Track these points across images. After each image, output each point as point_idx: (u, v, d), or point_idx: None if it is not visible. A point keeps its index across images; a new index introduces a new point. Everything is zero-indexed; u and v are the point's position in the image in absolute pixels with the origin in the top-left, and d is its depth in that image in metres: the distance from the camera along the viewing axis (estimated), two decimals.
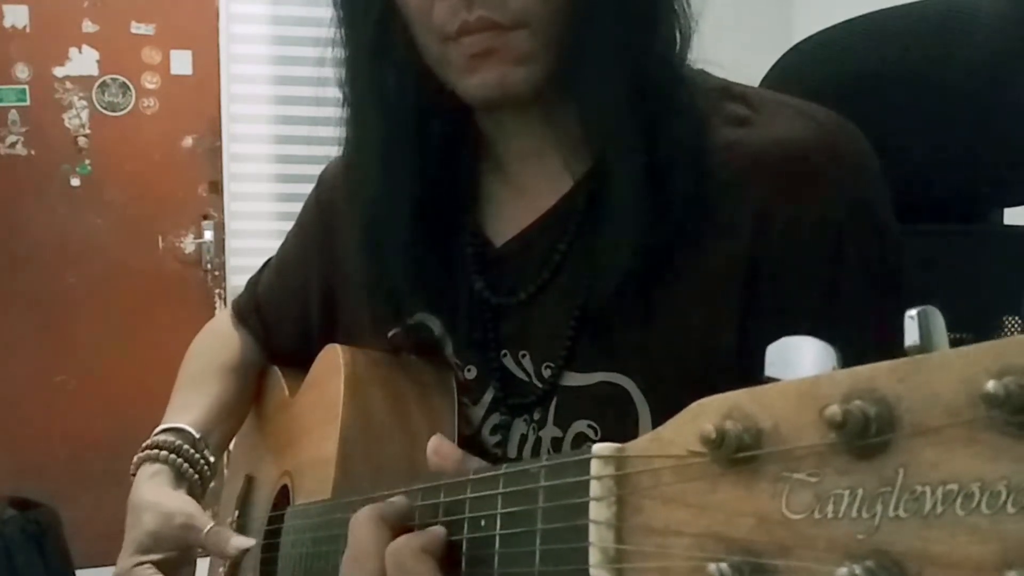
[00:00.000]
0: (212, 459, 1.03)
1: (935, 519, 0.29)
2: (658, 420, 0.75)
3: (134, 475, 1.00)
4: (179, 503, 0.96)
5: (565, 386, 0.82)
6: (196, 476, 1.01)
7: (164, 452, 1.00)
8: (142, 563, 0.93)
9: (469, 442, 0.87)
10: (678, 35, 0.80)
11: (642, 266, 0.76)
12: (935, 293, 0.89)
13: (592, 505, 0.45)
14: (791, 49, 1.08)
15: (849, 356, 0.71)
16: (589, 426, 0.81)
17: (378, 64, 0.84)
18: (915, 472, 0.30)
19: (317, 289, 1.06)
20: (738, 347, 0.76)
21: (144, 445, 1.02)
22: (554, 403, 0.83)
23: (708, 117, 0.79)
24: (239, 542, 0.91)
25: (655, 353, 0.78)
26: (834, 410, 0.31)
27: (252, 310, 1.16)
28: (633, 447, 0.44)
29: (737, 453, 0.36)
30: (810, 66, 1.05)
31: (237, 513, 1.12)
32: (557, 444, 0.82)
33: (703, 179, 0.76)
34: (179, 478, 0.99)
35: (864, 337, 0.73)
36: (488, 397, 0.87)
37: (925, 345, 0.32)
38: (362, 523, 0.62)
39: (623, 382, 0.79)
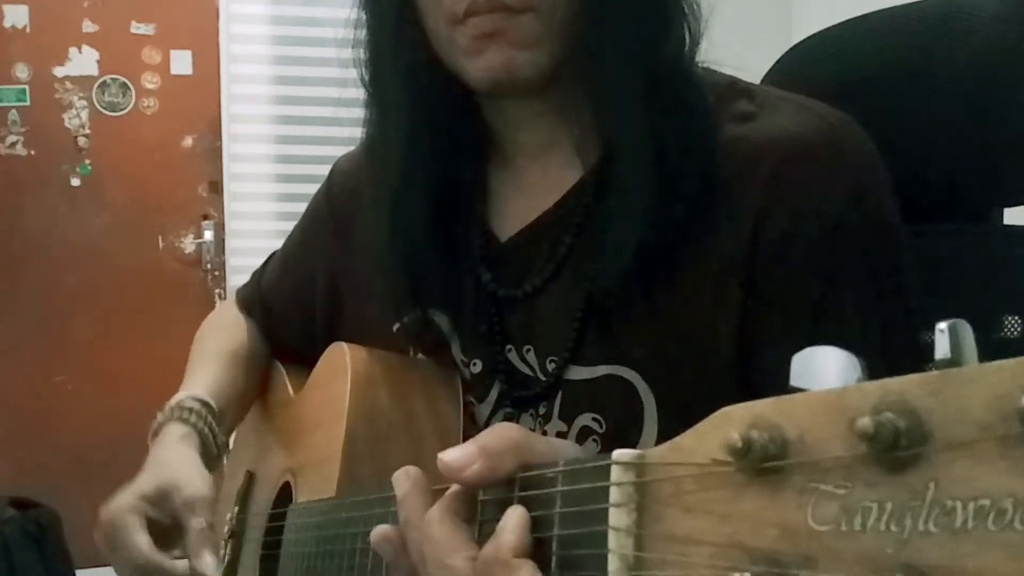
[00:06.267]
0: (224, 438, 1.03)
1: (966, 534, 0.29)
2: (665, 412, 0.78)
3: (156, 432, 0.99)
4: (195, 480, 0.94)
5: (570, 380, 0.83)
6: (215, 450, 1.00)
7: (194, 418, 1.00)
8: (137, 510, 0.91)
9: None
10: (687, 35, 0.81)
11: (647, 259, 0.76)
12: (935, 293, 0.89)
13: (612, 511, 0.45)
14: (791, 49, 1.08)
15: (850, 349, 0.72)
16: (594, 419, 0.82)
17: (399, 44, 0.85)
18: (946, 487, 0.30)
19: (322, 283, 1.06)
20: (740, 339, 0.76)
21: (171, 405, 1.01)
22: (559, 397, 0.83)
23: (715, 113, 0.79)
24: (206, 565, 0.88)
25: (661, 346, 0.79)
26: (865, 422, 0.31)
27: (256, 302, 1.17)
28: (653, 454, 0.44)
29: (763, 463, 0.36)
30: (810, 66, 1.05)
31: (237, 509, 1.12)
32: (562, 438, 0.83)
33: (708, 173, 0.77)
34: (203, 446, 0.99)
35: (867, 330, 0.75)
36: (494, 394, 0.88)
37: (956, 358, 0.32)
38: (436, 522, 0.56)
39: (629, 375, 0.80)
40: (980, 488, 0.29)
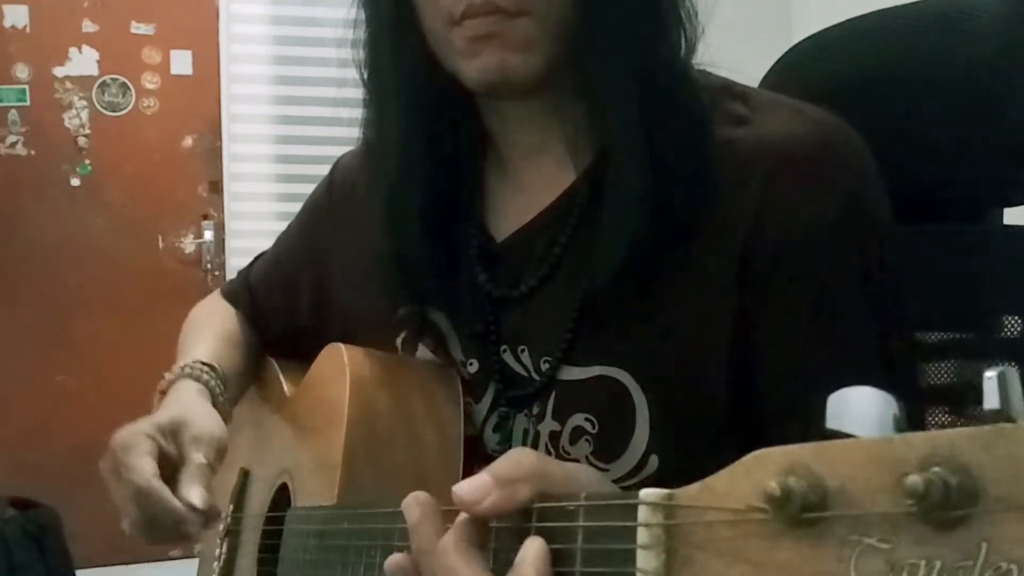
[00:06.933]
0: (229, 406, 1.02)
1: None
2: (656, 414, 0.78)
3: (164, 391, 0.98)
4: (210, 422, 0.93)
5: (563, 380, 0.83)
6: (223, 413, 0.99)
7: (206, 376, 0.99)
8: (150, 436, 0.89)
9: (472, 443, 0.87)
10: (684, 39, 0.81)
11: (641, 261, 0.77)
12: (935, 293, 0.89)
13: (640, 553, 0.44)
14: (791, 49, 1.08)
15: (846, 352, 0.72)
16: (587, 419, 0.82)
17: (397, 43, 0.85)
18: (1000, 548, 0.29)
19: (313, 281, 1.06)
20: (733, 343, 0.77)
21: (179, 366, 1.00)
22: (552, 397, 0.83)
23: (709, 116, 0.80)
24: (194, 495, 0.86)
25: (653, 347, 0.79)
26: (915, 480, 0.30)
27: (243, 292, 1.17)
28: (683, 495, 0.43)
29: (803, 513, 0.35)
30: (810, 66, 1.05)
31: (232, 507, 1.12)
32: (555, 438, 0.83)
33: (702, 176, 0.77)
34: (215, 406, 0.98)
35: (863, 332, 0.75)
36: (490, 394, 0.88)
37: (1005, 410, 0.31)
38: (451, 551, 0.55)
39: (621, 376, 0.80)
40: None
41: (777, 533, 0.36)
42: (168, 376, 1.00)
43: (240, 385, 1.10)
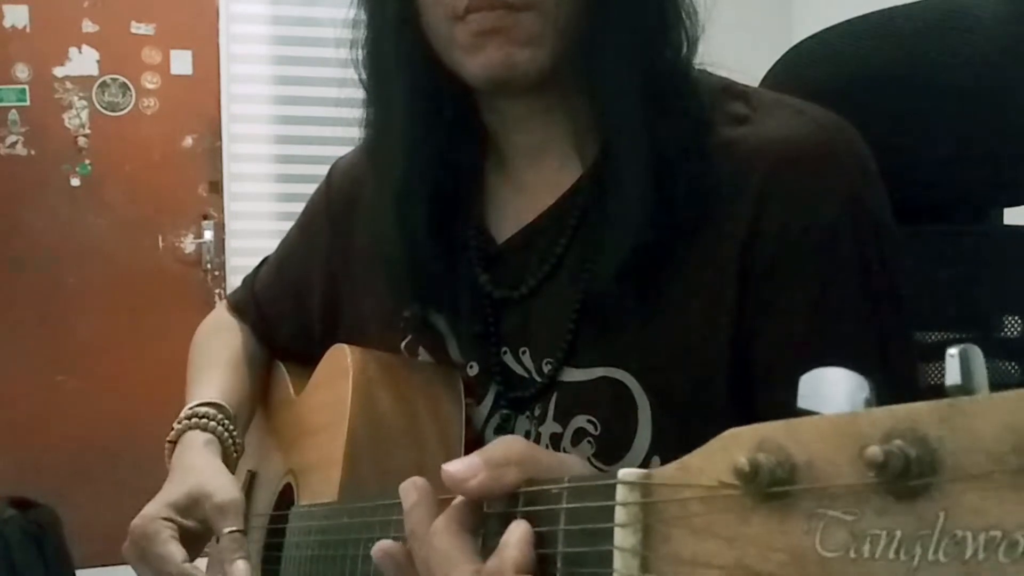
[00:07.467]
0: (241, 441, 1.03)
1: (976, 565, 0.29)
2: (659, 415, 0.79)
3: (173, 442, 0.99)
4: (226, 485, 0.93)
5: (564, 381, 0.83)
6: (235, 453, 1.01)
7: (213, 423, 0.99)
8: (168, 519, 0.90)
9: (472, 444, 0.87)
10: (685, 39, 0.81)
11: (642, 262, 0.77)
12: (935, 293, 0.89)
13: (617, 531, 0.44)
14: (791, 49, 1.08)
15: (846, 352, 0.73)
16: (588, 421, 0.82)
17: (400, 42, 0.85)
18: (957, 517, 0.29)
19: (320, 282, 1.06)
20: (734, 343, 0.77)
21: (187, 414, 1.01)
22: (554, 399, 0.83)
23: (710, 116, 0.80)
24: (239, 572, 0.88)
25: (655, 348, 0.79)
26: (875, 451, 0.31)
27: (249, 303, 1.17)
28: (660, 474, 0.44)
29: (771, 487, 0.35)
30: (810, 66, 1.05)
31: None
32: (556, 439, 0.83)
33: (703, 176, 0.77)
34: (224, 451, 0.99)
35: (862, 333, 0.75)
36: (490, 396, 0.88)
37: (966, 384, 0.32)
38: (443, 532, 0.56)
39: (623, 377, 0.80)
40: (991, 520, 0.29)
41: (748, 508, 0.37)
42: (177, 426, 1.00)
43: (251, 409, 1.11)
